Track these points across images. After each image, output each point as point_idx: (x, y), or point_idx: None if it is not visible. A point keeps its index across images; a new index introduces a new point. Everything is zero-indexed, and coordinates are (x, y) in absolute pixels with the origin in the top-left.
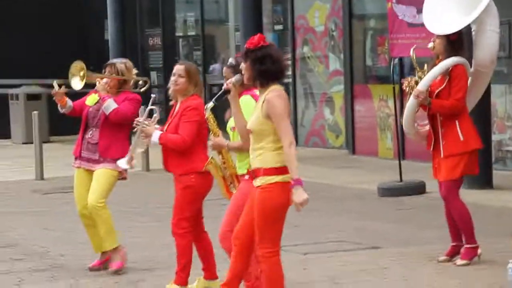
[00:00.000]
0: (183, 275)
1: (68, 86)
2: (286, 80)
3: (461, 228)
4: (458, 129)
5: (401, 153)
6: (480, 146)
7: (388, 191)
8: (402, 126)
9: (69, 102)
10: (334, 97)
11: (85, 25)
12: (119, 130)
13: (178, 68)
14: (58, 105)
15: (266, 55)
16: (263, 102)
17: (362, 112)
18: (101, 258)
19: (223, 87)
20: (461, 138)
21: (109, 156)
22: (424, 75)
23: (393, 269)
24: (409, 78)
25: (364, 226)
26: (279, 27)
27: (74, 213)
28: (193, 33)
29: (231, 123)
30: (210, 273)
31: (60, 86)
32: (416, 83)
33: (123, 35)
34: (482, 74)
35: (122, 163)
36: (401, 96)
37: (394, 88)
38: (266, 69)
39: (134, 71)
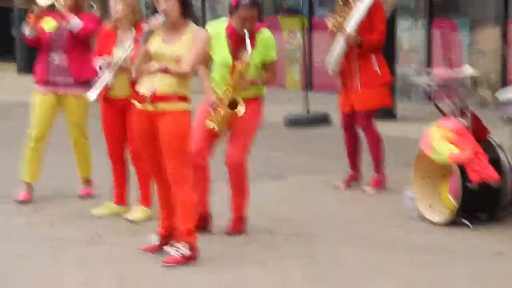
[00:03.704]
0: None
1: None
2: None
3: (373, 157)
4: (375, 62)
5: (308, 85)
6: (392, 79)
7: (294, 122)
8: (309, 58)
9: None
10: None
11: None
12: (86, 50)
13: None
14: (28, 28)
15: None
16: (194, 32)
17: None
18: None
19: (146, 28)
20: (378, 71)
21: (83, 78)
22: (348, 14)
23: (296, 198)
24: (334, 16)
25: (269, 157)
26: None
27: None
28: None
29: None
30: (121, 199)
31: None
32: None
33: None
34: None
35: (92, 96)
36: (310, 29)
37: (303, 20)
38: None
39: None
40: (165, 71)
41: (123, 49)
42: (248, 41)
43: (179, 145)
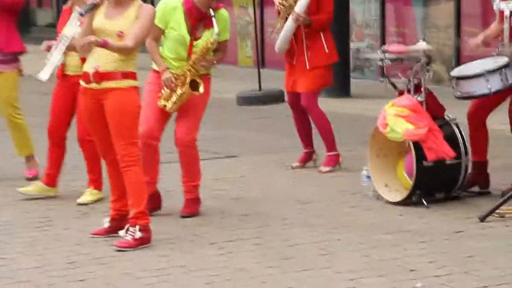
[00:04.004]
0: None
1: None
2: None
3: (322, 136)
4: (323, 41)
5: (260, 62)
6: (338, 59)
7: (247, 100)
8: (261, 34)
9: None
10: None
11: None
12: (12, 22)
13: None
14: None
15: None
16: (139, 7)
17: None
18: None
19: (89, 2)
20: (326, 50)
21: (11, 50)
22: None
23: (250, 178)
24: None
25: (222, 136)
26: None
27: None
28: None
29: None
30: (52, 180)
31: None
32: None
33: None
34: None
35: (44, 76)
36: (262, 4)
37: None
38: None
39: None
40: (103, 45)
41: (72, 27)
42: (214, 20)
43: (126, 124)
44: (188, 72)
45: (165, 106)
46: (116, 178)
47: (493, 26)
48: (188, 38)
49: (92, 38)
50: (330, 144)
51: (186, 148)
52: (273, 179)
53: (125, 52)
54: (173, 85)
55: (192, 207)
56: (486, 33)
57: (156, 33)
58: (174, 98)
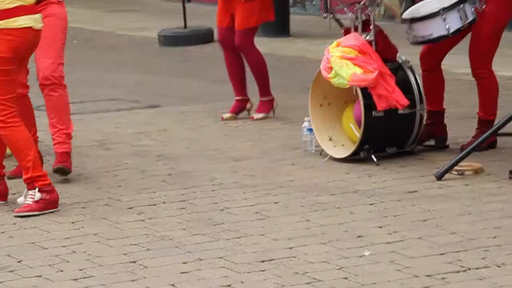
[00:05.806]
0: None
1: None
2: None
3: (257, 80)
4: None
5: None
6: None
7: (171, 39)
8: None
9: None
10: None
11: None
12: None
13: None
14: None
15: None
16: None
17: None
18: None
19: None
20: None
21: None
22: None
23: (174, 131)
24: None
25: (142, 81)
26: None
27: None
28: None
29: None
30: None
31: None
32: None
33: None
34: None
35: None
36: None
37: None
38: None
39: None
40: None
41: None
42: None
43: None
44: None
45: None
46: None
47: None
48: None
49: None
50: (266, 89)
51: (54, 86)
52: (201, 132)
53: None
54: None
55: (68, 161)
56: None
57: None
58: None
